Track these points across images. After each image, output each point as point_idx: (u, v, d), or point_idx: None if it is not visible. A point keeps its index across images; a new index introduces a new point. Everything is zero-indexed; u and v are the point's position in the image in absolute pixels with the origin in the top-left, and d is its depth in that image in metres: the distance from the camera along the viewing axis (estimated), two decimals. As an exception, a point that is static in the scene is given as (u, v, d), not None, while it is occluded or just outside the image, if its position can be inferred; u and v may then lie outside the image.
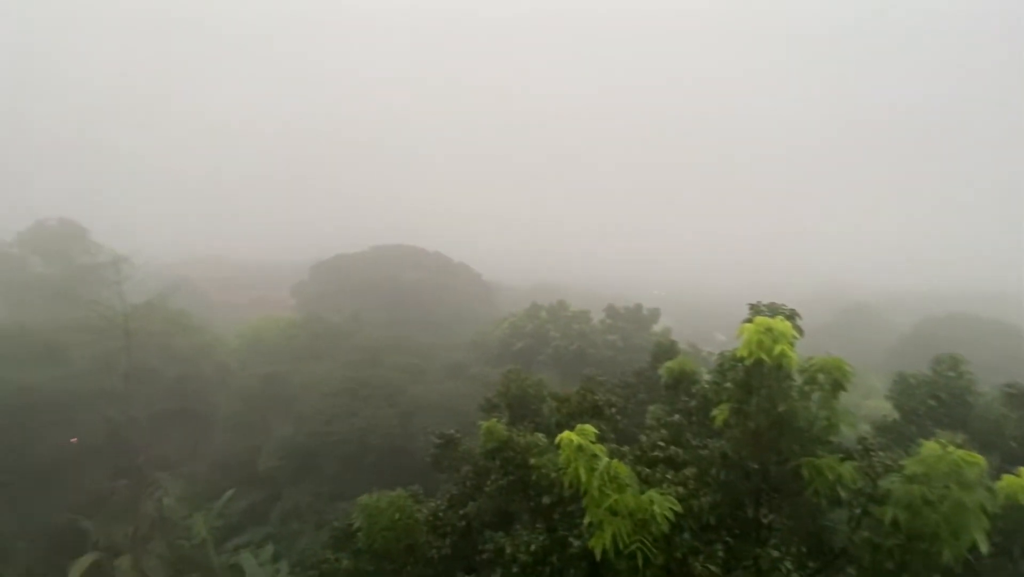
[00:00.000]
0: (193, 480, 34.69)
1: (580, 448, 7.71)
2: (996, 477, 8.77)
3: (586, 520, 7.70)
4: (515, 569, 10.52)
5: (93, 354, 35.54)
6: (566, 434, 7.79)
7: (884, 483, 7.94)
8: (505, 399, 17.36)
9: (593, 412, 11.04)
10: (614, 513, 7.48)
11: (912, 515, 7.46)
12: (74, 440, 33.53)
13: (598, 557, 7.34)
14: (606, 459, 7.64)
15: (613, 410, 11.35)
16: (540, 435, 13.36)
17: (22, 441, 30.43)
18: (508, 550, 10.90)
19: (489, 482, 13.77)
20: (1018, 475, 9.15)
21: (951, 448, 7.48)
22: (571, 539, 10.17)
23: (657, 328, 44.89)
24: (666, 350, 17.05)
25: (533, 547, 10.34)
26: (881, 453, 9.57)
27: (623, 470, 7.63)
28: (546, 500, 11.10)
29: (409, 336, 49.73)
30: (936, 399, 14.30)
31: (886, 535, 7.67)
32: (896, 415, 14.89)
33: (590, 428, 7.93)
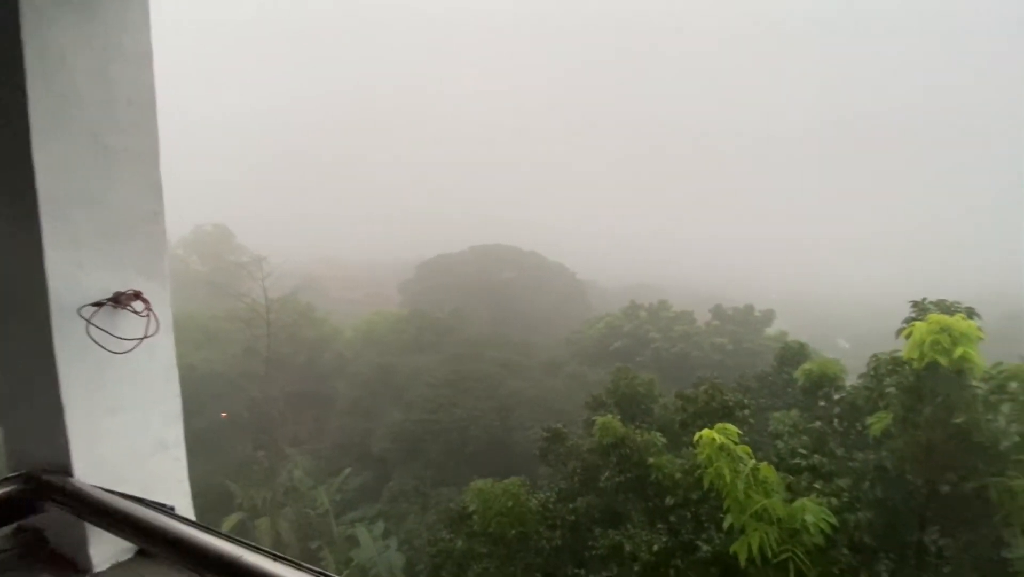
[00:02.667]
0: (317, 456, 38.41)
1: (722, 447, 7.33)
2: None
3: (726, 523, 7.31)
4: (636, 568, 10.28)
5: (241, 340, 40.82)
6: (706, 432, 7.45)
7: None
8: (614, 397, 17.07)
9: (723, 413, 10.45)
10: (760, 519, 7.02)
11: None
12: (224, 415, 38.71)
13: (742, 563, 6.92)
14: (752, 461, 7.19)
15: (745, 412, 10.66)
16: (657, 434, 12.97)
17: (186, 412, 35.86)
18: (628, 548, 10.68)
19: (603, 479, 13.62)
20: None
21: None
22: (698, 542, 9.71)
23: (771, 332, 41.56)
24: (795, 353, 15.70)
25: (656, 547, 10.03)
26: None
27: (771, 475, 7.13)
28: (669, 500, 10.71)
29: (506, 333, 50.88)
30: None
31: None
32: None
33: (732, 428, 7.51)
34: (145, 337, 2.37)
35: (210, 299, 47.61)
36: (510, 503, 14.36)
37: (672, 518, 11.78)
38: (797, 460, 9.07)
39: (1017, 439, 7.64)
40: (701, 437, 7.35)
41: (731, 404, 10.80)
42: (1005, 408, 7.70)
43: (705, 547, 9.38)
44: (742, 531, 7.27)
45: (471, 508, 15.35)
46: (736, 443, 7.31)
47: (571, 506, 15.39)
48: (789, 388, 15.72)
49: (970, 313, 8.55)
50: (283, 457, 34.35)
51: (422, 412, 37.37)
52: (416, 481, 35.50)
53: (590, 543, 14.26)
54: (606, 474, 13.52)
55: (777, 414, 13.10)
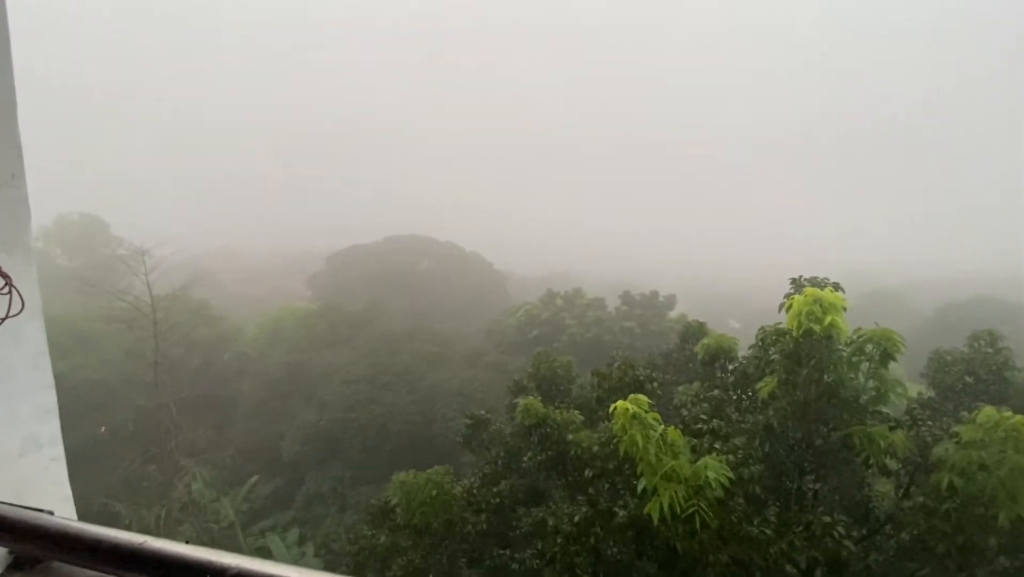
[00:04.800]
0: (219, 466, 35.44)
1: (635, 416, 7.82)
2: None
3: (641, 486, 7.84)
4: (559, 540, 10.70)
5: (122, 343, 36.25)
6: (620, 403, 7.91)
7: (938, 450, 7.97)
8: (535, 380, 17.53)
9: (635, 387, 11.14)
10: (669, 479, 7.61)
11: (967, 480, 7.51)
12: (104, 429, 34.35)
13: (655, 521, 7.47)
14: (661, 427, 7.75)
15: (654, 385, 11.45)
16: (575, 412, 13.52)
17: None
18: (551, 522, 11.08)
19: (526, 459, 13.97)
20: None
21: (1008, 414, 7.50)
22: (616, 509, 10.32)
23: (673, 315, 44.81)
24: (696, 331, 17.10)
25: (576, 518, 10.51)
26: (929, 423, 9.61)
27: (678, 437, 7.74)
28: (588, 473, 11.25)
29: (425, 325, 50.12)
30: (973, 375, 14.22)
31: (941, 500, 7.73)
32: (931, 393, 14.85)
33: (643, 397, 8.04)
34: (7, 317, 2.06)
35: (80, 298, 41.72)
36: (434, 492, 14.27)
37: (591, 489, 12.41)
38: (699, 425, 9.92)
39: (873, 393, 8.94)
40: (616, 408, 7.78)
41: (642, 378, 11.54)
42: (864, 367, 8.95)
43: (622, 512, 10.00)
44: (655, 493, 7.84)
45: (393, 502, 15.06)
46: (647, 412, 7.84)
47: (495, 489, 15.64)
48: (690, 363, 17.12)
49: (836, 287, 9.81)
50: (179, 470, 31.24)
51: (337, 411, 35.80)
52: (333, 483, 34.06)
53: (515, 523, 14.62)
54: (528, 455, 13.88)
55: (681, 387, 14.22)
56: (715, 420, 10.32)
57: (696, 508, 7.33)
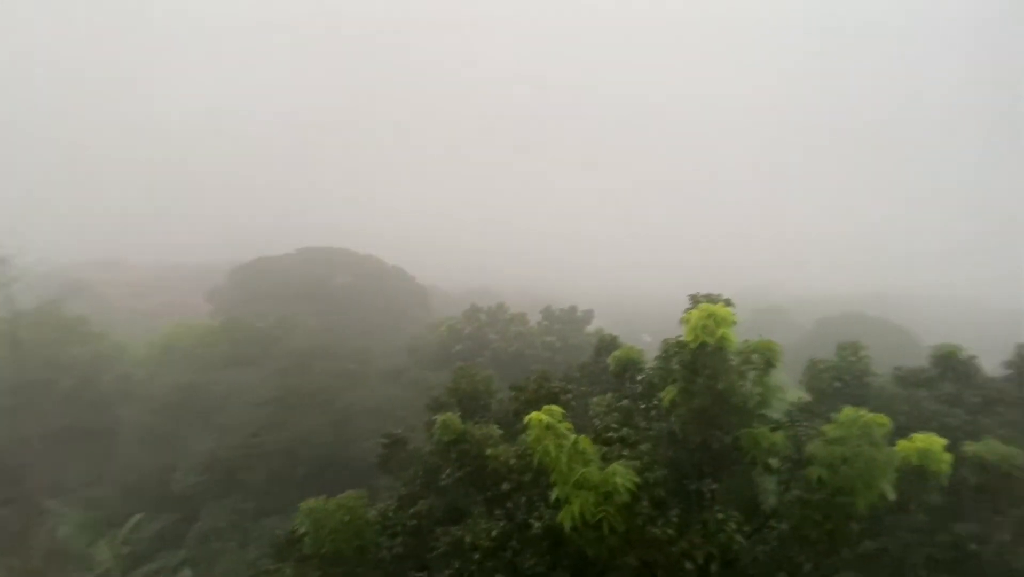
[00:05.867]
0: (95, 505, 31.13)
1: (548, 427, 8.05)
2: (891, 445, 10.25)
3: (554, 495, 8.05)
4: (476, 557, 10.63)
5: (-31, 367, 30.90)
6: (534, 414, 8.11)
7: (809, 448, 9.01)
8: (455, 396, 17.38)
9: (550, 399, 11.45)
10: (580, 487, 7.90)
11: (833, 473, 8.55)
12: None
13: (567, 529, 7.70)
14: (573, 436, 8.04)
15: (568, 396, 11.84)
16: (494, 426, 13.60)
17: None
18: (468, 539, 10.99)
19: (444, 476, 13.76)
20: (910, 440, 10.71)
21: (864, 412, 8.69)
22: (531, 521, 10.47)
23: (591, 329, 46.60)
24: (608, 344, 17.95)
25: (494, 533, 10.52)
26: (804, 424, 10.81)
27: (589, 446, 8.07)
28: (505, 486, 11.33)
29: (341, 342, 47.95)
30: (841, 381, 16.28)
31: (812, 492, 8.72)
32: (808, 397, 16.70)
33: (557, 408, 8.31)
34: None
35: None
36: (346, 518, 13.60)
37: (509, 503, 12.48)
38: (610, 434, 10.40)
39: (758, 398, 9.91)
40: (530, 419, 7.97)
41: (556, 390, 11.91)
42: (751, 375, 9.91)
43: (537, 524, 10.16)
44: (567, 501, 8.10)
45: (301, 531, 14.14)
46: (560, 422, 8.11)
47: (412, 511, 15.21)
48: (604, 375, 17.89)
49: (728, 303, 10.81)
50: (41, 512, 27.01)
51: (240, 436, 32.98)
52: (233, 516, 31.19)
53: (433, 544, 14.29)
54: (447, 472, 13.70)
55: (595, 398, 14.84)
56: (625, 428, 10.88)
57: (605, 514, 7.66)
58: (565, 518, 7.60)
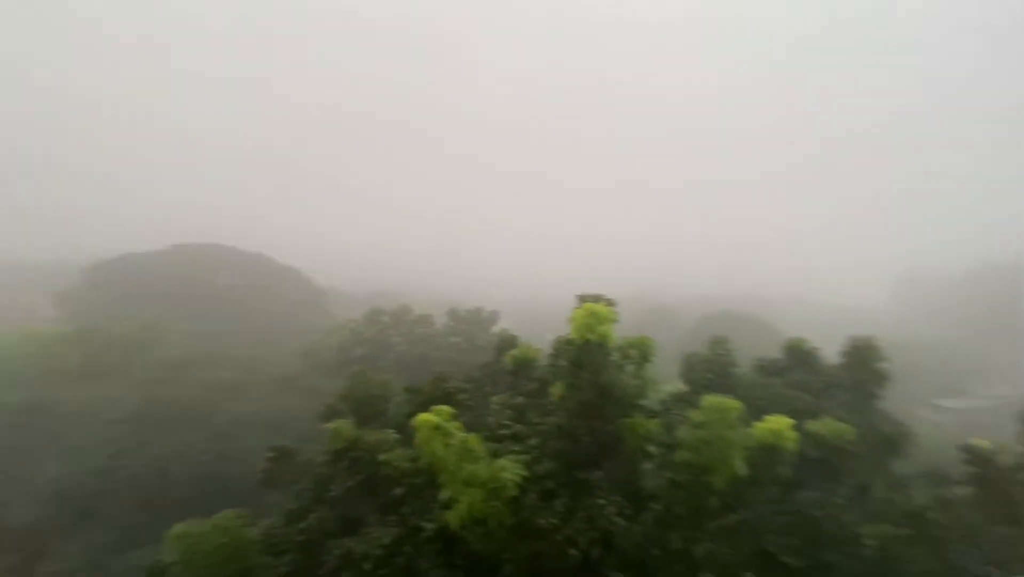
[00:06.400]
0: None
1: (437, 427, 8.04)
2: (748, 427, 11.65)
3: (443, 495, 8.05)
4: (367, 567, 10.29)
5: None
6: (422, 416, 8.06)
7: (679, 433, 9.94)
8: (350, 402, 16.72)
9: (445, 399, 11.44)
10: (469, 485, 7.98)
11: (697, 454, 9.51)
12: None
13: (455, 527, 7.74)
14: (461, 434, 8.11)
15: (464, 396, 11.90)
16: (390, 431, 13.27)
17: None
18: (360, 550, 10.60)
19: (336, 487, 13.14)
20: (764, 422, 12.23)
21: (722, 399, 9.76)
22: (423, 524, 10.37)
23: (496, 329, 47.19)
24: (508, 343, 18.32)
25: (386, 540, 10.26)
26: (677, 412, 11.88)
27: (477, 443, 8.19)
28: (397, 491, 11.11)
29: (224, 349, 43.79)
30: (711, 372, 18.13)
31: (680, 473, 9.62)
32: (686, 388, 18.36)
33: (446, 408, 8.32)
34: None
35: None
36: (223, 540, 12.45)
37: (403, 508, 12.24)
38: (503, 430, 10.62)
39: (636, 389, 10.71)
40: (418, 421, 7.91)
41: (452, 391, 11.92)
42: (629, 368, 10.66)
43: (430, 526, 10.09)
44: (457, 501, 8.14)
45: (171, 560, 12.70)
46: (449, 421, 8.14)
47: (301, 526, 14.34)
48: (506, 374, 18.24)
49: (609, 303, 11.57)
50: None
51: (98, 459, 28.81)
52: (90, 551, 27.15)
53: (323, 558, 13.58)
54: (339, 482, 13.11)
55: (496, 397, 15.08)
56: (518, 424, 11.19)
57: (492, 509, 7.82)
58: (453, 517, 7.64)
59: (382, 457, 11.62)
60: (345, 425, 12.33)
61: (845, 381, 19.73)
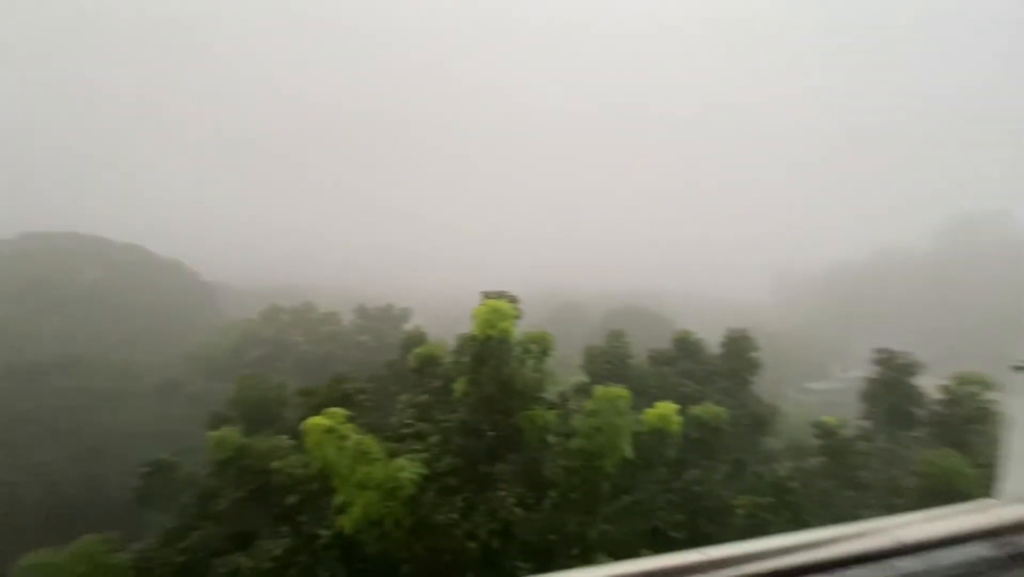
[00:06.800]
0: None
1: (329, 430, 7.75)
2: (640, 413, 12.54)
3: (336, 500, 7.78)
4: (256, 582, 9.65)
5: None
6: (313, 419, 7.73)
7: (574, 422, 10.46)
8: (240, 408, 15.52)
9: (343, 401, 11.04)
10: (364, 487, 7.79)
11: (589, 441, 10.07)
12: None
13: (350, 532, 7.52)
14: (355, 437, 7.88)
15: (364, 396, 11.56)
16: (283, 437, 12.53)
17: None
18: (249, 565, 9.91)
19: (221, 499, 12.14)
20: (654, 408, 13.21)
21: (613, 388, 10.42)
22: (319, 531, 9.95)
23: (409, 327, 46.24)
24: (415, 341, 18.07)
25: (278, 551, 9.70)
26: (574, 402, 12.48)
27: (372, 445, 8.00)
28: (291, 500, 10.54)
29: (92, 353, 38.62)
30: (610, 364, 19.24)
31: (574, 460, 10.14)
32: (587, 379, 19.31)
33: (339, 410, 8.05)
34: None
35: None
36: (82, 569, 11.00)
37: (298, 516, 11.64)
38: (405, 429, 10.48)
39: (536, 382, 11.08)
40: (308, 425, 7.57)
41: (351, 392, 11.52)
42: (530, 362, 11.00)
43: (325, 532, 9.69)
44: (351, 502, 7.90)
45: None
46: (343, 423, 7.87)
47: (181, 545, 13.08)
48: (411, 373, 17.98)
49: (512, 299, 11.84)
50: None
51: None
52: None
53: (207, 578, 12.52)
54: (225, 494, 12.13)
55: (402, 396, 14.80)
56: (421, 423, 11.10)
57: (389, 510, 7.70)
58: (347, 521, 7.42)
59: (274, 465, 10.94)
60: (232, 432, 11.45)
61: (724, 369, 21.88)
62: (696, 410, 17.06)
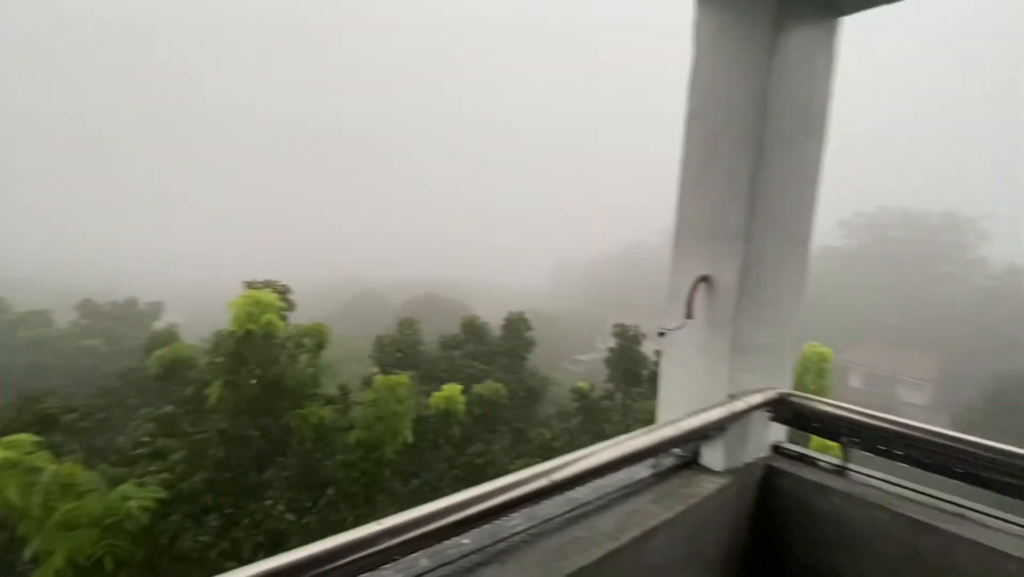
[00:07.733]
0: None
1: (12, 465, 6.00)
2: (429, 397, 12.89)
3: (30, 551, 6.07)
4: None
5: None
6: (-18, 453, 5.89)
7: (351, 414, 10.19)
8: None
9: (43, 424, 8.63)
10: (71, 527, 6.25)
11: (369, 432, 9.97)
12: None
13: (47, 586, 5.97)
14: (52, 467, 6.26)
15: (75, 416, 9.24)
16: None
17: None
18: None
19: None
20: (441, 391, 13.72)
21: (391, 376, 10.48)
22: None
23: (160, 325, 38.48)
24: (164, 341, 15.17)
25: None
26: (355, 394, 12.16)
27: (80, 474, 6.46)
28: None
29: None
30: (401, 352, 19.29)
31: (352, 453, 9.92)
32: (376, 369, 19.03)
33: (25, 437, 6.29)
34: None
35: None
36: None
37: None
38: (140, 449, 8.76)
39: (310, 378, 10.44)
40: (-30, 462, 5.71)
41: (53, 412, 9.08)
42: (304, 357, 10.30)
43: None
44: (50, 550, 6.27)
45: None
46: (32, 452, 6.17)
47: None
48: (153, 381, 15.05)
49: (284, 290, 10.87)
50: None
51: None
52: None
53: None
54: None
55: (143, 410, 12.22)
56: (162, 438, 9.39)
57: (108, 548, 6.36)
58: (45, 573, 5.89)
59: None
60: None
61: (504, 348, 24.06)
62: (478, 388, 18.37)
